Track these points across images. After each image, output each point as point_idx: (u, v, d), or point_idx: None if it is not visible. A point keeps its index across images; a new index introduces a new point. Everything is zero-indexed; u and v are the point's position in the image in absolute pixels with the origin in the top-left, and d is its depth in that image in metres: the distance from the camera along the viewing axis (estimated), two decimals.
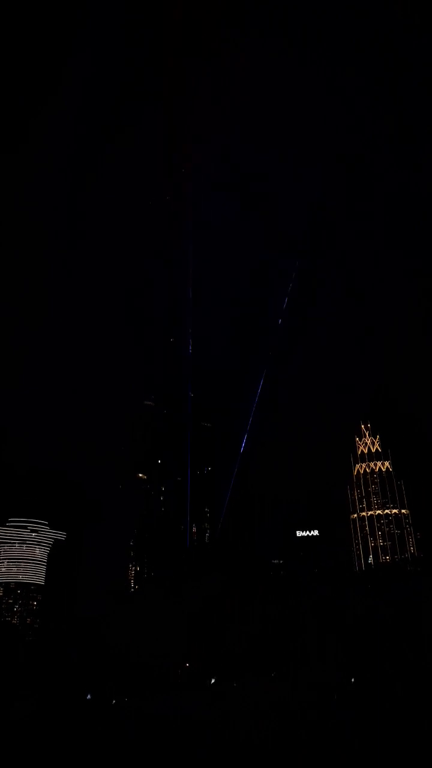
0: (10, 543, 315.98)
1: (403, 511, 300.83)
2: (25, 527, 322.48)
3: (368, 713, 32.34)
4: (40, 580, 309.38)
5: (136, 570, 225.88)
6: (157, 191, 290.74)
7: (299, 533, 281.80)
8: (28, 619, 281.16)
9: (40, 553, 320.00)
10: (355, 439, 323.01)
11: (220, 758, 24.61)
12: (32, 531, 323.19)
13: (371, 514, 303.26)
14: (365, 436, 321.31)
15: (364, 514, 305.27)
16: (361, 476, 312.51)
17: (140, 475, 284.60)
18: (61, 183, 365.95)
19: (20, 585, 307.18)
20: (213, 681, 74.98)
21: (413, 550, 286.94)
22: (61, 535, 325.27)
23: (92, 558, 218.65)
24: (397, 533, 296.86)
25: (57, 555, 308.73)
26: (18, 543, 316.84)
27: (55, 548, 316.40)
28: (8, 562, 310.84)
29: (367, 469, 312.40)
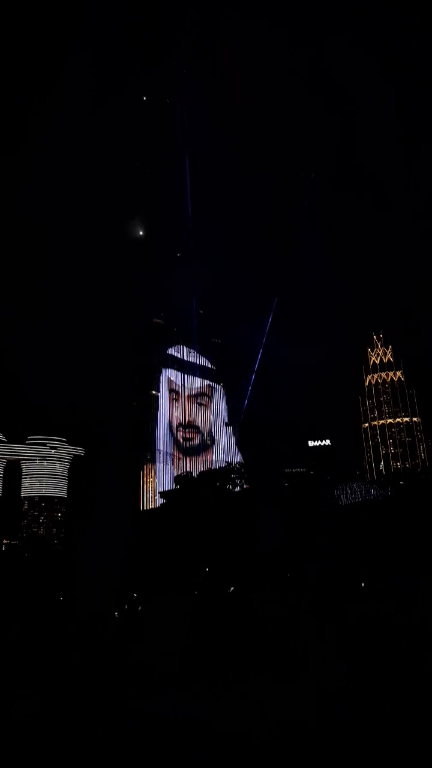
0: (30, 459, 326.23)
1: (414, 419, 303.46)
2: (44, 444, 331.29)
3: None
4: (62, 493, 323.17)
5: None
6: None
7: (311, 443, 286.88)
8: (54, 530, 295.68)
9: (61, 468, 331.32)
10: (367, 350, 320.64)
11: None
12: (52, 448, 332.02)
13: (383, 423, 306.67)
14: (377, 347, 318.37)
15: (375, 423, 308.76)
16: (373, 386, 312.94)
17: (153, 392, 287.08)
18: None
19: (44, 498, 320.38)
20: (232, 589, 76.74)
21: (424, 456, 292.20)
22: (80, 451, 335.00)
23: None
24: (408, 440, 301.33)
25: (77, 469, 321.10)
26: (39, 459, 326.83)
27: (75, 463, 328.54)
28: (30, 477, 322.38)
29: (379, 380, 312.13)
